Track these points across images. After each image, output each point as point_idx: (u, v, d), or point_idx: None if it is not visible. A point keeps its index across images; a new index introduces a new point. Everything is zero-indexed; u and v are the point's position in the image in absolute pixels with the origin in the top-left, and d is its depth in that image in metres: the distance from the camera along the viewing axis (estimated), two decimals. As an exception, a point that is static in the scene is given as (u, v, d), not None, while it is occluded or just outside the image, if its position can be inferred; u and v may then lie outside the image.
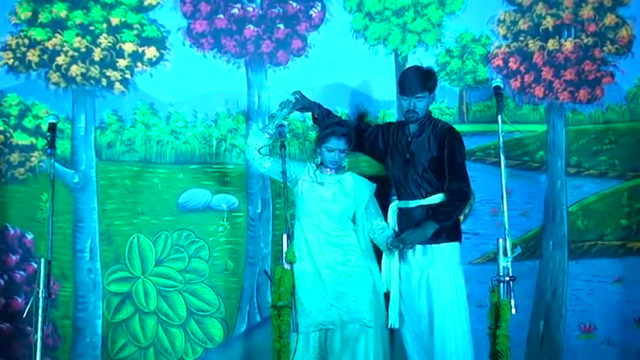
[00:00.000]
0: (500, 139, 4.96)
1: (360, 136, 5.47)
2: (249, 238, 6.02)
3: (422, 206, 5.28)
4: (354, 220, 5.36)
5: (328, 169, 5.37)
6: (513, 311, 4.76)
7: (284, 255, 5.08)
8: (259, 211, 6.01)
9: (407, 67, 5.76)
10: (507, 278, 4.77)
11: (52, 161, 5.17)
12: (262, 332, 5.81)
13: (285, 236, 5.11)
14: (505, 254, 4.80)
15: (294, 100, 5.40)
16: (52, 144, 5.17)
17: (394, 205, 5.39)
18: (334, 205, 5.30)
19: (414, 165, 5.29)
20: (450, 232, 5.24)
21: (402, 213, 5.34)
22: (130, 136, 6.06)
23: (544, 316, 5.97)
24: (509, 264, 4.79)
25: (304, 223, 5.33)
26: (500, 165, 4.96)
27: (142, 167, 6.05)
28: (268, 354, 5.15)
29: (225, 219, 6.03)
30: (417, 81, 5.24)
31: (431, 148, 5.27)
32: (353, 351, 5.18)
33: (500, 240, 4.84)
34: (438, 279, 5.18)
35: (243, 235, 6.02)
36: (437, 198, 5.27)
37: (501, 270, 4.77)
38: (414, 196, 5.30)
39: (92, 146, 6.05)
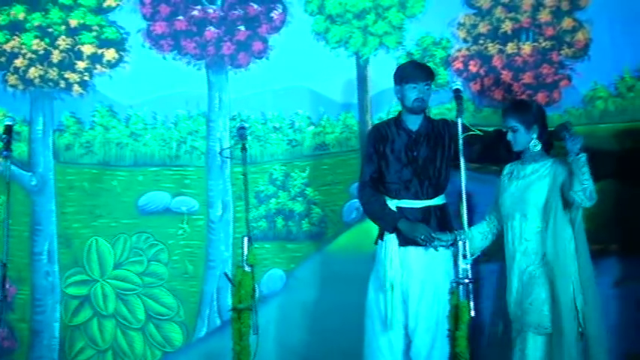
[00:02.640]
0: (460, 142, 4.97)
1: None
2: (209, 241, 6.00)
3: (429, 207, 5.28)
4: None
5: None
6: (472, 313, 4.77)
7: (245, 258, 5.07)
8: (220, 213, 5.99)
9: (366, 68, 5.80)
10: (466, 280, 4.78)
11: (8, 163, 5.14)
12: (222, 336, 5.78)
13: (245, 239, 5.11)
14: (464, 257, 4.82)
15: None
16: (7, 146, 5.14)
17: (393, 205, 5.30)
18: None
19: (423, 163, 5.27)
20: None
21: (402, 213, 5.28)
22: (88, 138, 6.02)
23: (502, 318, 6.00)
24: (469, 266, 4.81)
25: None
26: (460, 167, 4.99)
27: (101, 170, 6.02)
28: (228, 357, 5.13)
29: (185, 222, 6.00)
30: (423, 68, 5.26)
31: (437, 144, 5.28)
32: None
33: (460, 243, 4.85)
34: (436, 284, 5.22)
35: (203, 238, 6.00)
36: (440, 199, 5.29)
37: (461, 272, 4.79)
38: (418, 196, 5.28)
39: (50, 148, 6.01)
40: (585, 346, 5.04)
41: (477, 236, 5.27)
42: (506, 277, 5.20)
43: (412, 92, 5.23)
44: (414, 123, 5.31)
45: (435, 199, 5.28)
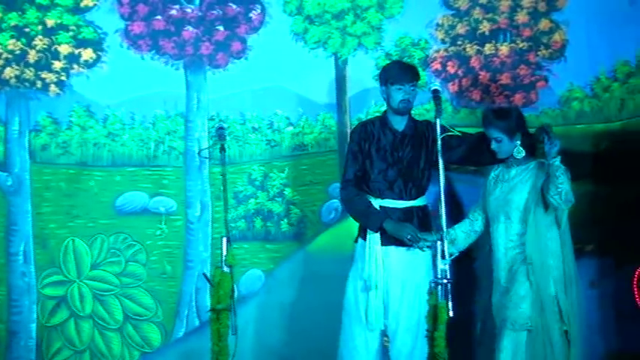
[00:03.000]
0: (439, 142, 4.99)
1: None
2: (187, 241, 5.99)
3: (411, 207, 5.30)
4: None
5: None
6: (450, 314, 4.80)
7: (223, 258, 5.06)
8: (198, 214, 5.98)
9: (345, 69, 5.81)
10: (445, 281, 4.80)
11: (-15, 164, 5.11)
12: (201, 336, 5.76)
13: (224, 239, 5.10)
14: (443, 257, 4.84)
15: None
16: (-16, 147, 5.11)
17: (376, 204, 5.28)
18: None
19: (408, 163, 5.28)
20: None
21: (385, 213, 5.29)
22: (65, 138, 5.99)
23: (482, 318, 6.03)
24: (447, 267, 4.83)
25: None
26: (439, 168, 5.01)
27: (78, 170, 5.99)
28: (207, 358, 5.13)
29: (163, 222, 5.98)
30: (409, 69, 5.24)
31: (422, 145, 5.29)
32: None
33: (439, 243, 4.87)
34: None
35: (181, 239, 5.99)
36: (422, 200, 5.32)
37: (439, 272, 4.81)
38: (401, 196, 5.30)
39: (26, 149, 5.97)
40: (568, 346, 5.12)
41: (460, 235, 5.31)
42: (493, 278, 5.26)
43: (398, 94, 5.22)
44: (399, 123, 5.31)
45: (418, 200, 5.30)
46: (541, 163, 5.13)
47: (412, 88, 5.23)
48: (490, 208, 5.25)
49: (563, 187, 4.97)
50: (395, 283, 5.24)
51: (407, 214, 5.26)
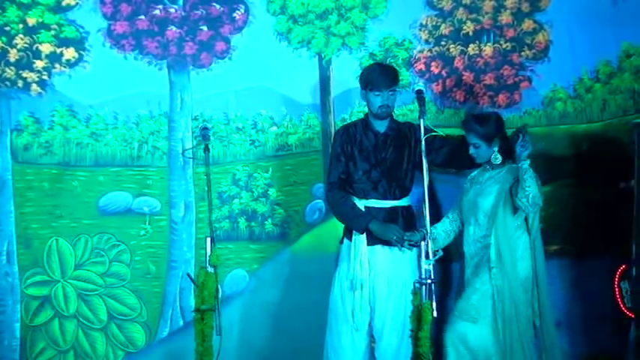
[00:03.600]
0: (423, 142, 5.02)
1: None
2: (171, 241, 5.98)
3: (396, 207, 5.30)
4: None
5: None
6: (435, 314, 4.82)
7: (207, 258, 5.06)
8: (182, 214, 5.97)
9: (329, 69, 5.82)
10: (429, 281, 4.83)
11: (-32, 164, 5.07)
12: (185, 336, 5.76)
13: (208, 240, 5.10)
14: (427, 257, 4.87)
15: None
16: (-33, 147, 5.07)
17: (361, 205, 5.32)
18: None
19: (391, 164, 5.29)
20: None
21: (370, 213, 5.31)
22: (47, 138, 5.95)
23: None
24: (431, 267, 4.86)
25: None
26: (422, 168, 5.03)
27: (61, 170, 5.95)
28: (191, 358, 5.13)
29: (147, 222, 5.97)
30: (388, 75, 5.25)
31: (404, 146, 5.30)
32: None
33: (423, 243, 4.90)
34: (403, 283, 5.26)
35: (165, 239, 5.98)
36: (406, 200, 5.32)
37: (423, 273, 4.83)
38: (386, 196, 5.30)
39: (8, 148, 5.92)
40: (542, 346, 5.17)
41: (441, 234, 5.35)
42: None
43: (376, 99, 5.25)
44: (380, 125, 5.34)
45: (402, 200, 5.32)
46: (513, 167, 5.17)
47: (391, 93, 5.25)
48: (463, 209, 5.31)
49: (530, 191, 5.01)
50: (381, 283, 5.27)
51: (392, 214, 5.30)
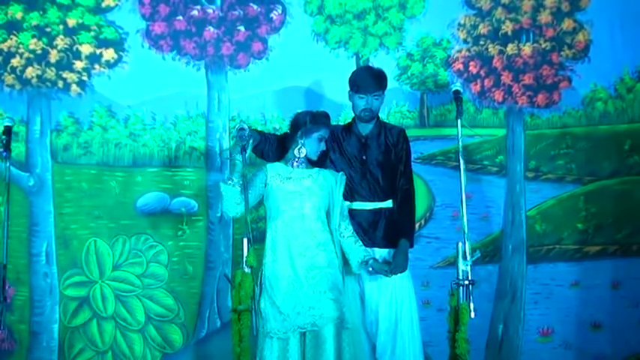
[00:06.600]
0: (460, 143, 4.98)
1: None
2: (208, 242, 5.98)
3: (379, 209, 5.27)
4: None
5: (296, 163, 5.08)
6: (472, 315, 4.77)
7: (244, 259, 5.05)
8: (219, 214, 5.98)
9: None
10: (466, 282, 4.78)
11: (8, 164, 5.10)
12: (222, 337, 5.77)
13: (245, 240, 5.07)
14: (464, 258, 4.82)
15: (246, 140, 5.02)
16: (7, 147, 5.08)
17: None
18: (312, 200, 5.03)
19: (372, 166, 5.28)
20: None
21: (352, 215, 5.26)
22: (86, 138, 5.99)
23: (503, 320, 6.02)
24: (469, 268, 4.81)
25: (281, 223, 5.08)
26: (460, 169, 4.99)
27: (99, 170, 5.99)
28: (228, 359, 5.12)
29: (184, 223, 5.98)
30: (373, 79, 5.20)
31: (388, 149, 5.28)
32: (329, 352, 5.07)
33: (460, 244, 4.85)
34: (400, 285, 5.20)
35: (202, 240, 5.99)
36: (390, 202, 5.29)
37: (460, 274, 4.79)
38: (368, 198, 5.29)
39: (48, 149, 5.98)
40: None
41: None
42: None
43: (360, 102, 5.21)
44: (364, 127, 5.29)
45: (386, 201, 5.26)
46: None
47: (375, 97, 5.20)
48: None
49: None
50: (372, 285, 5.21)
51: (375, 215, 5.24)
